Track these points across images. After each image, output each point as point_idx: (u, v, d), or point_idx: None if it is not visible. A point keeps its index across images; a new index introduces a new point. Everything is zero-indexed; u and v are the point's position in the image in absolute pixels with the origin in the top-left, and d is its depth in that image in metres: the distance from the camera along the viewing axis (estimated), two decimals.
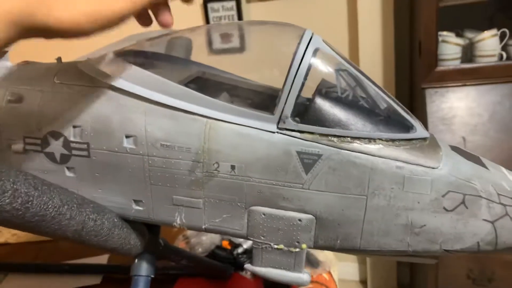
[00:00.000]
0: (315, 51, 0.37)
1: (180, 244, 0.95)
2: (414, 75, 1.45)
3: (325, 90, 0.39)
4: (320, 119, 0.37)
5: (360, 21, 1.43)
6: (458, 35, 1.34)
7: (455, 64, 1.28)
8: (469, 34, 1.33)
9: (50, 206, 0.33)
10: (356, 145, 0.37)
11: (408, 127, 0.38)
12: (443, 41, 1.27)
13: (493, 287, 1.23)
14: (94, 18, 0.30)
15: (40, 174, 0.43)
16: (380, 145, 0.37)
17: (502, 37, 1.26)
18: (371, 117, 0.38)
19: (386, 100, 0.39)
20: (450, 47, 1.29)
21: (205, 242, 0.94)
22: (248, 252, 0.91)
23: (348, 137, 0.37)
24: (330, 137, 0.37)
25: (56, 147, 0.41)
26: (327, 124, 0.37)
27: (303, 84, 0.37)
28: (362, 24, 1.44)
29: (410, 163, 0.36)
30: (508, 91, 1.22)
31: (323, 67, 0.39)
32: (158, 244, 0.53)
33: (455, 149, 0.40)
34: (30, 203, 0.31)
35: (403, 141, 0.37)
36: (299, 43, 0.37)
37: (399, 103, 0.39)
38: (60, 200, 0.35)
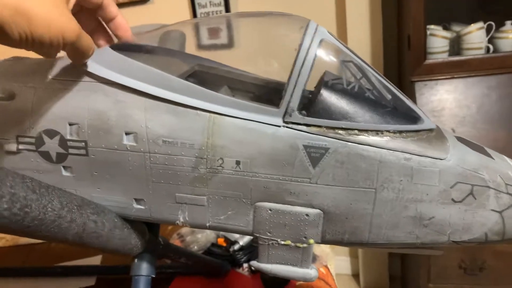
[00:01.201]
0: (321, 42, 0.36)
1: (175, 242, 0.94)
2: (403, 69, 1.46)
3: (331, 82, 0.38)
4: (326, 112, 0.36)
5: (348, 15, 1.43)
6: (445, 28, 1.35)
7: (443, 57, 1.29)
8: (456, 27, 1.35)
9: (49, 209, 0.31)
10: (364, 137, 0.36)
11: (415, 118, 0.38)
12: (431, 35, 1.28)
13: (484, 275, 1.25)
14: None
15: (35, 175, 0.41)
16: (388, 137, 0.36)
17: (488, 30, 1.27)
18: (378, 108, 0.37)
19: (392, 91, 0.38)
20: (438, 40, 1.30)
21: (201, 240, 0.92)
22: (245, 249, 0.90)
23: (355, 129, 0.36)
24: (337, 130, 0.36)
25: (51, 145, 0.40)
26: (334, 116, 0.36)
27: (309, 76, 0.36)
28: (350, 18, 1.44)
29: (418, 155, 0.36)
30: (495, 83, 1.24)
31: (328, 58, 0.39)
32: (158, 243, 0.52)
33: (460, 139, 0.39)
34: (29, 207, 0.30)
35: (410, 132, 0.37)
36: (304, 34, 0.36)
37: (404, 94, 0.39)
38: (60, 203, 0.33)
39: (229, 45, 0.52)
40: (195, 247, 0.90)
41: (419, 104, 1.26)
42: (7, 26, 0.28)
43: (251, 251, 0.89)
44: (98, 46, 0.40)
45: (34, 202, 0.30)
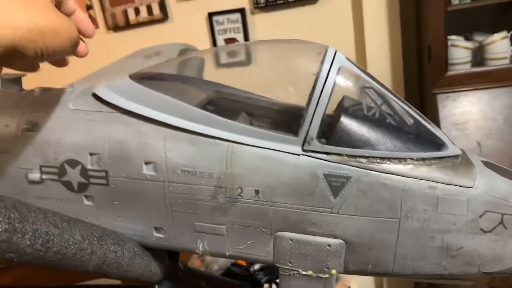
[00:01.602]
0: (339, 69, 0.36)
1: (195, 262, 0.93)
2: (423, 81, 1.43)
3: (351, 108, 0.37)
4: (347, 140, 0.36)
5: (366, 28, 1.42)
6: (467, 38, 1.32)
7: (466, 68, 1.26)
8: (478, 37, 1.32)
9: (71, 243, 0.32)
10: (386, 165, 0.35)
11: (439, 145, 0.37)
12: (452, 45, 1.26)
13: None
14: None
15: (58, 204, 0.42)
16: (411, 165, 0.35)
17: None
18: (400, 135, 0.36)
19: (414, 117, 0.37)
20: (460, 51, 1.27)
21: (221, 259, 0.92)
22: (265, 269, 0.89)
23: (377, 157, 0.35)
24: (358, 158, 0.35)
25: (73, 175, 0.40)
26: (355, 144, 0.35)
27: (327, 104, 0.35)
28: (368, 31, 1.42)
29: (443, 183, 0.35)
30: None
31: (347, 85, 0.38)
32: (178, 269, 0.52)
33: (488, 164, 0.38)
34: (51, 242, 0.30)
35: (435, 159, 0.36)
36: (322, 62, 0.36)
37: (428, 120, 0.38)
38: (81, 236, 0.33)
39: (249, 69, 0.52)
40: (215, 267, 0.89)
41: (442, 117, 1.23)
42: (21, 47, 0.28)
43: (272, 271, 0.88)
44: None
45: (56, 237, 0.31)
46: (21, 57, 0.29)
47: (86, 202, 0.41)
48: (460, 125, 1.21)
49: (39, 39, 0.29)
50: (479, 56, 1.29)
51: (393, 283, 1.62)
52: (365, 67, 1.44)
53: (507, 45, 1.24)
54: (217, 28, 1.52)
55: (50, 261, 0.30)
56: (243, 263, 0.93)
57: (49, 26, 0.29)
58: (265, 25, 1.51)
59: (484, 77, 1.22)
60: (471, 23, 1.37)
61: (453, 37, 1.27)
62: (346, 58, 0.37)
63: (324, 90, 0.35)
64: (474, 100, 1.23)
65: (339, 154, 0.35)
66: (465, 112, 1.23)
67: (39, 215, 0.30)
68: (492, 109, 1.22)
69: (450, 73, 1.23)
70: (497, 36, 1.23)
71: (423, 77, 1.43)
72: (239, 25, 1.49)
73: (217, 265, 0.89)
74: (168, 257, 0.49)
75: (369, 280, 1.74)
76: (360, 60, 1.48)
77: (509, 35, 1.23)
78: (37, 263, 0.30)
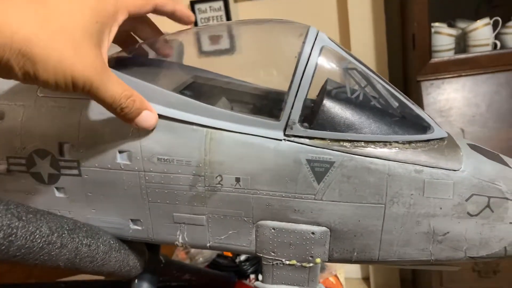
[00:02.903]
0: (321, 50, 0.34)
1: (180, 254, 0.92)
2: (407, 68, 1.43)
3: (334, 91, 0.36)
4: (330, 123, 0.34)
5: (350, 16, 1.41)
6: (450, 25, 1.32)
7: (449, 55, 1.26)
8: (461, 24, 1.32)
9: (37, 236, 0.30)
10: (371, 149, 0.34)
11: (424, 127, 0.35)
12: (436, 32, 1.26)
13: (498, 278, 1.21)
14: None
15: (27, 196, 0.39)
16: (397, 148, 0.34)
17: (494, 25, 1.24)
18: (385, 118, 0.35)
19: (399, 99, 0.36)
20: (443, 38, 1.27)
21: (206, 251, 0.91)
22: (251, 260, 0.88)
23: (361, 141, 0.34)
24: (342, 142, 0.34)
25: (43, 166, 0.38)
26: (338, 128, 0.34)
27: (310, 86, 0.34)
28: (352, 19, 1.41)
29: (429, 166, 0.34)
30: (505, 80, 1.21)
31: (330, 67, 0.36)
32: (159, 262, 0.50)
33: (474, 147, 0.37)
34: (14, 235, 0.28)
35: (421, 142, 0.35)
36: (304, 42, 0.34)
37: (413, 102, 0.36)
38: (49, 228, 0.31)
39: (229, 52, 0.50)
40: (200, 258, 0.88)
41: (426, 104, 1.23)
42: (11, 63, 0.26)
43: (258, 261, 0.87)
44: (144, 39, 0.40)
45: (19, 230, 0.29)
46: (10, 74, 0.27)
47: (57, 194, 0.39)
48: (444, 112, 1.21)
49: (30, 66, 0.27)
50: (462, 43, 1.30)
51: (379, 271, 1.64)
52: None
53: (490, 32, 1.25)
54: (199, 16, 1.48)
55: (13, 256, 0.28)
56: (229, 254, 0.92)
57: (49, 60, 0.27)
58: (248, 13, 1.48)
59: (468, 64, 1.23)
60: (454, 10, 1.37)
61: (436, 24, 1.27)
62: (329, 38, 0.36)
63: (306, 71, 0.33)
64: (458, 87, 1.24)
65: (322, 139, 0.34)
66: (449, 99, 1.23)
67: (0, 206, 0.28)
68: (475, 95, 1.22)
69: (434, 60, 1.23)
70: (479, 22, 1.24)
71: (407, 64, 1.43)
72: (222, 13, 1.46)
73: (202, 256, 0.88)
74: (148, 249, 0.47)
75: (356, 268, 1.76)
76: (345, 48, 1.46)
77: (491, 21, 1.24)
78: (0, 258, 0.28)
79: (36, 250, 0.30)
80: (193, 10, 1.48)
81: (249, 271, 0.86)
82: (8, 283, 0.86)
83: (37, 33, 0.27)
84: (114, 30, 0.33)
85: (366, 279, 1.74)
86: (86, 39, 0.29)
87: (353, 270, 1.76)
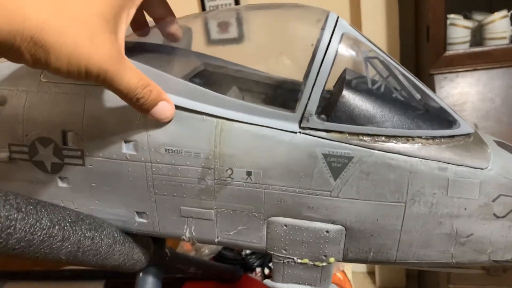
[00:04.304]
0: (342, 37, 0.32)
1: (185, 246, 0.91)
2: (421, 61, 1.39)
3: (354, 81, 0.33)
4: (349, 116, 0.32)
5: (362, 6, 1.37)
6: (466, 17, 1.28)
7: (464, 48, 1.22)
8: (478, 16, 1.28)
9: (37, 228, 0.28)
10: (392, 144, 0.32)
11: (450, 122, 0.33)
12: (451, 24, 1.22)
13: (508, 276, 1.19)
14: None
15: (30, 185, 0.38)
16: (420, 143, 0.32)
17: None
18: (408, 111, 0.33)
19: (423, 91, 0.34)
20: (459, 30, 1.23)
21: None
22: (257, 253, 0.87)
23: (382, 135, 0.32)
24: (361, 137, 0.32)
25: (45, 155, 0.36)
26: (358, 121, 0.32)
27: (328, 76, 0.32)
28: (365, 9, 1.38)
29: (454, 164, 0.31)
30: None
31: (351, 55, 0.34)
32: (164, 255, 0.48)
33: (501, 144, 0.35)
34: (12, 228, 0.26)
35: (445, 138, 0.33)
36: (323, 28, 0.32)
37: (437, 95, 0.34)
38: (50, 220, 0.30)
39: (239, 40, 0.48)
40: (206, 251, 0.87)
41: None
42: (22, 50, 0.25)
43: (264, 255, 0.85)
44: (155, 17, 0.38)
45: (18, 222, 0.27)
46: (21, 59, 0.26)
47: (60, 184, 0.37)
48: (458, 107, 1.18)
49: (42, 54, 0.25)
50: (478, 36, 1.26)
51: (384, 267, 1.62)
52: None
53: (507, 25, 1.21)
54: (208, 4, 1.45)
55: (13, 249, 0.27)
56: None
57: (62, 48, 0.25)
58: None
59: (483, 58, 1.19)
60: (471, 2, 1.33)
61: (452, 15, 1.23)
62: (349, 24, 0.33)
63: (325, 59, 0.31)
64: (472, 81, 1.20)
65: (340, 132, 0.32)
66: (463, 93, 1.20)
67: None
68: (490, 90, 1.19)
69: (448, 53, 1.19)
70: (497, 15, 1.20)
71: (421, 57, 1.39)
72: (231, 0, 1.43)
73: (208, 249, 0.86)
74: (154, 242, 0.46)
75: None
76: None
77: (509, 14, 1.20)
78: None
79: (36, 243, 0.28)
80: None
81: (255, 264, 0.85)
82: (13, 270, 0.85)
83: (50, 19, 0.25)
84: (132, 13, 0.31)
85: (371, 273, 1.72)
86: (102, 26, 0.27)
87: (359, 264, 1.75)
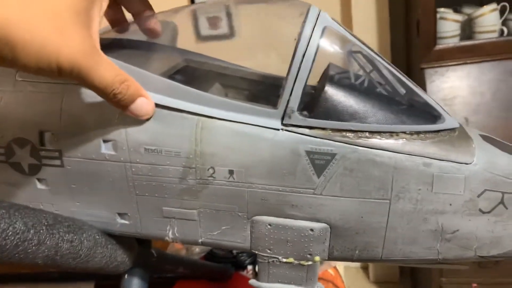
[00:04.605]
0: (324, 30, 0.31)
1: (176, 244, 0.90)
2: (411, 55, 1.39)
3: (337, 77, 0.33)
4: (332, 112, 0.31)
5: (353, 1, 1.36)
6: (456, 11, 1.28)
7: (454, 41, 1.22)
8: (468, 10, 1.28)
9: (10, 233, 0.27)
10: (376, 140, 0.31)
11: (434, 117, 0.33)
12: (441, 18, 1.22)
13: (499, 268, 1.20)
14: None
15: (7, 188, 0.37)
16: (404, 139, 0.31)
17: (502, 11, 1.20)
18: (392, 106, 0.32)
19: (407, 85, 0.33)
20: (449, 24, 1.23)
21: None
22: None
23: (365, 131, 0.31)
24: (344, 133, 0.31)
25: (22, 156, 0.35)
26: (341, 117, 0.31)
27: (310, 71, 0.31)
28: (355, 4, 1.37)
29: (439, 159, 0.31)
30: (511, 68, 1.18)
31: (333, 49, 0.33)
32: (150, 256, 0.48)
33: (487, 139, 0.34)
34: None
35: (430, 133, 0.32)
36: (304, 22, 0.31)
37: (422, 89, 0.33)
38: (24, 224, 0.29)
39: (225, 36, 0.47)
40: (197, 249, 0.86)
41: (430, 92, 1.20)
42: None
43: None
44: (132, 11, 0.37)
45: None
46: None
47: (39, 186, 0.36)
48: (448, 101, 1.18)
49: (8, 51, 0.24)
50: (468, 30, 1.26)
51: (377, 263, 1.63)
52: None
53: (497, 18, 1.21)
54: None
55: None
56: None
57: (29, 43, 0.24)
58: None
59: (473, 51, 1.19)
60: None
61: (442, 9, 1.23)
62: (332, 18, 0.33)
63: (306, 54, 0.30)
64: (463, 74, 1.20)
65: (323, 128, 0.31)
66: (454, 87, 1.20)
67: None
68: (480, 84, 1.19)
69: (438, 47, 1.19)
70: (486, 8, 1.20)
71: (411, 51, 1.39)
72: None
73: (199, 247, 0.86)
74: (139, 243, 0.45)
75: None
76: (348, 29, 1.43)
77: (498, 7, 1.20)
78: None
79: (9, 248, 0.27)
80: None
81: (247, 262, 0.84)
82: (1, 273, 0.84)
83: (17, 14, 0.24)
84: (105, 5, 0.30)
85: (365, 268, 1.73)
86: (73, 19, 0.26)
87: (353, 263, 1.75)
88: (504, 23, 1.21)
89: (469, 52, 1.19)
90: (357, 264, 1.76)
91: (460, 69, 1.21)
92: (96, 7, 0.28)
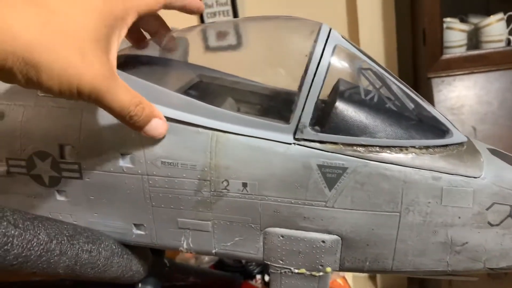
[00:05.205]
0: (334, 49, 0.32)
1: (186, 254, 0.91)
2: (418, 65, 1.40)
3: (347, 92, 0.34)
4: (343, 127, 0.32)
5: (359, 11, 1.38)
6: (463, 20, 1.29)
7: (461, 51, 1.23)
8: (474, 20, 1.28)
9: (35, 244, 0.28)
10: (386, 155, 0.32)
11: (443, 131, 0.34)
12: (448, 28, 1.22)
13: (509, 279, 1.19)
14: None
15: (27, 199, 0.38)
16: (413, 153, 0.32)
17: (508, 21, 1.21)
18: (401, 121, 0.33)
19: (416, 101, 0.34)
20: (455, 33, 1.24)
21: None
22: None
23: (376, 146, 0.32)
24: (355, 147, 0.32)
25: (43, 168, 0.37)
26: (352, 132, 0.32)
27: (321, 87, 0.32)
28: (361, 14, 1.38)
29: (448, 173, 0.32)
30: None
31: (343, 67, 0.34)
32: (163, 265, 0.49)
33: (495, 152, 0.35)
34: (9, 244, 0.26)
35: (439, 147, 0.33)
36: (315, 40, 0.32)
37: (431, 105, 0.34)
38: (47, 235, 0.30)
39: (236, 51, 0.48)
40: (206, 258, 0.87)
41: (437, 102, 1.21)
42: (14, 71, 0.25)
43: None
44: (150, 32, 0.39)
45: (16, 238, 0.27)
46: (14, 79, 0.26)
47: (59, 197, 0.38)
48: (456, 110, 1.18)
49: (33, 74, 0.25)
50: (474, 39, 1.26)
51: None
52: None
53: (503, 28, 1.21)
54: (206, 11, 1.46)
55: (11, 265, 0.27)
56: None
57: (53, 67, 0.25)
58: (255, 7, 1.46)
59: (480, 61, 1.19)
60: (466, 5, 1.33)
61: (448, 19, 1.23)
62: (342, 36, 0.34)
63: (318, 71, 0.32)
64: (470, 84, 1.21)
65: (335, 143, 0.32)
66: (461, 97, 1.20)
67: None
68: (487, 93, 1.19)
69: (445, 56, 1.20)
70: (493, 18, 1.20)
71: (418, 61, 1.40)
72: (228, 8, 1.44)
73: (208, 256, 0.86)
74: (153, 253, 0.46)
75: None
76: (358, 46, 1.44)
77: (505, 17, 1.20)
78: None
79: (33, 259, 0.29)
80: None
81: (255, 271, 0.84)
82: (13, 281, 0.85)
83: (40, 39, 0.25)
84: (123, 33, 0.31)
85: (373, 278, 1.72)
86: (93, 45, 0.27)
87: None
88: (510, 32, 1.22)
89: (476, 61, 1.20)
90: (365, 274, 1.75)
91: (467, 78, 1.21)
92: (115, 35, 0.30)
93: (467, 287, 1.23)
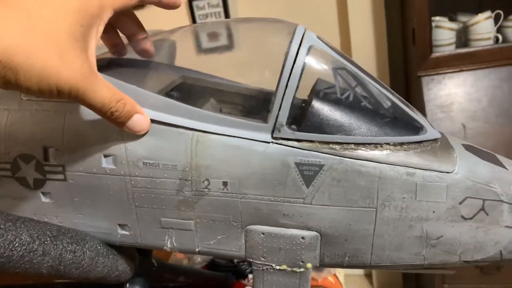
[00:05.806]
0: (309, 49, 0.33)
1: (178, 254, 0.91)
2: (408, 64, 1.41)
3: (323, 91, 0.35)
4: (319, 125, 0.33)
5: (350, 11, 1.39)
6: (451, 19, 1.30)
7: (450, 49, 1.24)
8: (462, 18, 1.29)
9: (17, 244, 0.29)
10: (361, 152, 0.33)
11: (417, 128, 0.34)
12: (437, 26, 1.24)
13: (501, 274, 1.20)
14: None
15: (13, 202, 0.39)
16: (388, 150, 0.33)
17: (496, 19, 1.22)
18: (376, 119, 0.34)
19: (391, 99, 0.35)
20: (444, 32, 1.25)
21: None
22: None
23: (351, 143, 0.33)
24: (331, 145, 0.33)
25: (28, 171, 0.37)
26: (328, 130, 0.33)
27: (297, 87, 0.33)
28: (352, 14, 1.39)
29: (422, 169, 0.33)
30: (507, 75, 1.19)
31: (318, 66, 0.35)
32: (150, 265, 0.49)
33: (469, 148, 0.36)
34: None
35: (413, 144, 0.34)
36: (291, 41, 0.33)
37: (406, 102, 0.35)
38: (30, 236, 0.30)
39: (221, 52, 0.49)
40: (198, 258, 0.87)
41: (427, 100, 1.22)
42: None
43: None
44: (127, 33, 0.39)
45: None
46: None
47: (43, 199, 0.38)
48: (446, 108, 1.20)
49: (11, 76, 0.26)
50: (463, 37, 1.28)
51: (380, 270, 1.63)
52: (350, 52, 1.41)
53: (491, 25, 1.22)
54: (197, 13, 1.47)
55: None
56: None
57: (32, 69, 0.26)
58: (247, 9, 1.47)
59: (469, 58, 1.21)
60: (455, 3, 1.35)
61: (437, 18, 1.25)
62: (318, 37, 0.35)
63: (293, 72, 0.32)
64: (459, 82, 1.22)
65: (311, 141, 0.33)
66: (450, 94, 1.21)
67: None
68: (476, 90, 1.20)
69: (435, 55, 1.21)
70: (481, 16, 1.21)
71: (408, 60, 1.41)
72: (220, 9, 1.44)
73: (201, 257, 0.87)
74: (140, 253, 0.47)
75: None
76: (345, 44, 1.45)
77: (493, 15, 1.21)
78: None
79: (16, 259, 0.29)
80: (191, 7, 1.46)
81: (248, 271, 0.85)
82: (6, 285, 0.85)
83: (19, 42, 0.26)
84: (101, 29, 0.32)
85: (368, 275, 1.73)
86: (71, 45, 0.28)
87: (354, 269, 1.75)
88: (498, 30, 1.23)
89: (465, 59, 1.21)
90: (361, 271, 1.76)
91: (456, 76, 1.22)
92: (92, 32, 0.30)
93: (460, 283, 1.24)
